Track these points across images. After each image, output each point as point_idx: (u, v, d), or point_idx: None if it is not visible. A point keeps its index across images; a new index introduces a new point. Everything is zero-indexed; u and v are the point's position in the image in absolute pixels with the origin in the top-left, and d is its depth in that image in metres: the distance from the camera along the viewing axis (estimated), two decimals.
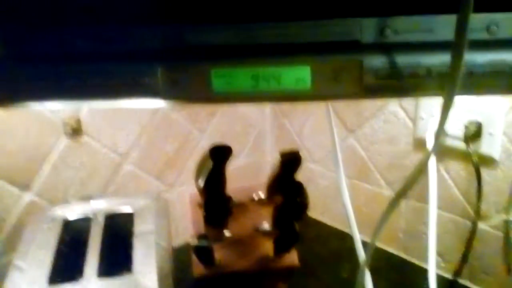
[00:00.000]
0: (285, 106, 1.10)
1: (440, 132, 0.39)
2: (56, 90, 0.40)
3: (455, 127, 0.79)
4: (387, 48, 0.39)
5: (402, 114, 0.89)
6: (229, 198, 0.61)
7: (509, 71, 0.38)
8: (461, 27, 0.34)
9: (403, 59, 0.38)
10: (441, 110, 0.38)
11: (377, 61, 0.39)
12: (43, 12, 0.39)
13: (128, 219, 0.73)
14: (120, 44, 0.39)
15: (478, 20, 0.37)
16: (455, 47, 0.35)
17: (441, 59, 0.38)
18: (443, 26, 0.38)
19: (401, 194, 0.47)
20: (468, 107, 0.78)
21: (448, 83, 0.36)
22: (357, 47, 0.39)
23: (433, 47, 0.38)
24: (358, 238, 0.71)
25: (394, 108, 0.90)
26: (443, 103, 0.38)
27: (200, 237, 0.61)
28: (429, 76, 0.38)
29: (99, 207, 0.75)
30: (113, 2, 0.39)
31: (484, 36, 0.38)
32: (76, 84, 0.40)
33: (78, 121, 0.84)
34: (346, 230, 1.02)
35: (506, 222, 0.73)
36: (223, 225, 0.65)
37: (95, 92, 0.40)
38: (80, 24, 0.39)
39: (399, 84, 0.39)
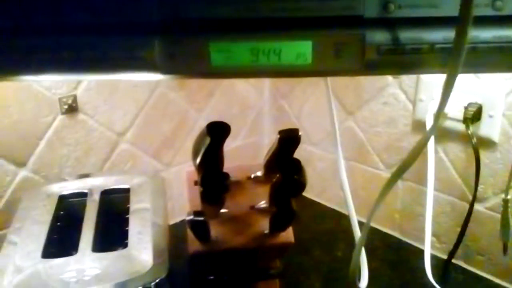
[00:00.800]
0: (284, 88, 1.10)
1: (442, 108, 0.38)
2: (50, 63, 0.39)
3: (455, 108, 0.78)
4: (390, 23, 0.38)
5: (402, 96, 0.88)
6: (226, 175, 0.60)
7: None
8: (467, 2, 0.34)
9: (406, 35, 0.38)
10: (443, 87, 0.38)
11: (379, 36, 0.38)
12: None
13: (124, 196, 0.73)
14: (116, 17, 0.38)
15: None
16: (459, 22, 0.35)
17: (445, 35, 0.37)
18: (448, 1, 0.37)
19: (399, 173, 0.46)
20: (469, 89, 0.78)
21: (451, 59, 0.36)
22: (359, 22, 0.38)
23: (437, 22, 0.38)
24: (354, 217, 0.71)
25: (394, 90, 0.89)
26: (446, 80, 0.37)
27: (197, 213, 0.60)
28: (432, 52, 0.38)
29: (95, 183, 0.75)
30: None
31: (489, 12, 0.37)
32: (70, 57, 0.39)
33: (74, 99, 0.83)
34: (342, 211, 1.02)
35: (505, 201, 0.73)
36: (220, 202, 0.64)
37: (90, 66, 0.39)
38: None
39: (401, 60, 0.38)
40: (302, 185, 0.58)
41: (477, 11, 0.36)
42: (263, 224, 0.65)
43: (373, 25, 0.38)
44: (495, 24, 0.37)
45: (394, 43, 0.38)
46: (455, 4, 0.35)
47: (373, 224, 0.94)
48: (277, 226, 0.64)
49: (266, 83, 1.12)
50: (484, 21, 0.37)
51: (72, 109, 0.83)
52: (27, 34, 0.38)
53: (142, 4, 0.38)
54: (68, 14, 0.38)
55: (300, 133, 0.63)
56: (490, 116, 0.76)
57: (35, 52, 0.38)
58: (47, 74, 0.40)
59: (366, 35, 0.38)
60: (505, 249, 0.76)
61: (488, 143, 0.78)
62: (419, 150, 0.44)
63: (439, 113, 0.39)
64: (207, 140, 0.57)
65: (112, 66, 0.39)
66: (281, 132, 0.63)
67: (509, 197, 0.73)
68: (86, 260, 0.59)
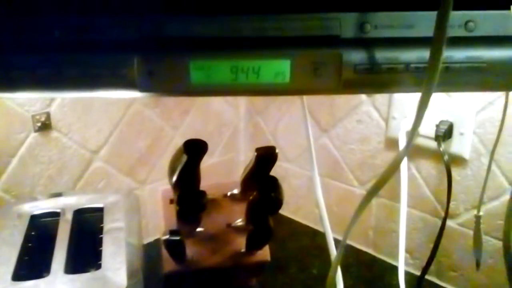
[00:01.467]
0: (260, 105, 1.10)
1: (416, 127, 0.39)
2: (30, 80, 0.39)
3: (427, 126, 0.80)
4: (367, 43, 0.39)
5: (375, 114, 0.90)
6: (203, 193, 0.60)
7: (485, 67, 0.38)
8: (441, 23, 0.35)
9: (382, 54, 0.39)
10: (417, 106, 0.38)
11: (356, 56, 0.39)
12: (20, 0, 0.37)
13: (97, 215, 0.72)
14: (96, 34, 0.39)
15: (456, 17, 0.38)
16: (434, 43, 0.36)
17: (420, 55, 0.38)
18: (422, 22, 0.39)
19: (374, 192, 0.47)
20: (440, 107, 0.79)
21: (426, 79, 0.37)
22: (336, 41, 0.39)
23: (412, 43, 0.39)
24: (330, 235, 0.71)
25: (368, 108, 0.90)
26: (420, 99, 0.38)
27: (172, 232, 0.60)
28: (407, 72, 0.39)
29: (67, 203, 0.74)
30: None
31: (462, 33, 0.39)
32: (50, 74, 0.39)
33: (48, 116, 0.82)
34: (317, 228, 1.03)
35: (477, 218, 0.74)
36: (196, 220, 0.64)
37: (70, 83, 0.39)
38: (57, 13, 0.38)
39: (377, 79, 0.39)
40: (279, 202, 0.59)
41: (450, 32, 0.37)
42: (240, 243, 0.65)
43: (349, 45, 0.39)
44: (467, 44, 0.39)
45: (370, 62, 0.39)
46: (430, 25, 0.36)
47: (347, 241, 0.95)
48: (254, 244, 0.64)
49: (242, 100, 1.12)
50: (457, 42, 0.38)
51: (45, 126, 0.81)
52: (7, 51, 0.38)
53: (122, 22, 0.38)
54: (49, 32, 0.38)
55: (276, 151, 0.63)
56: (461, 134, 0.78)
57: (15, 70, 0.38)
58: (27, 92, 0.40)
59: (343, 54, 0.39)
60: (477, 265, 0.77)
61: (459, 160, 0.80)
62: (393, 168, 0.45)
63: (414, 131, 0.40)
64: (184, 158, 0.57)
65: (91, 83, 0.39)
66: (258, 150, 0.64)
67: (481, 213, 0.75)
68: (58, 282, 0.58)
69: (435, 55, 0.36)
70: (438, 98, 0.80)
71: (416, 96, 0.39)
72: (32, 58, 0.38)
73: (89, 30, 0.38)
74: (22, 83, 0.39)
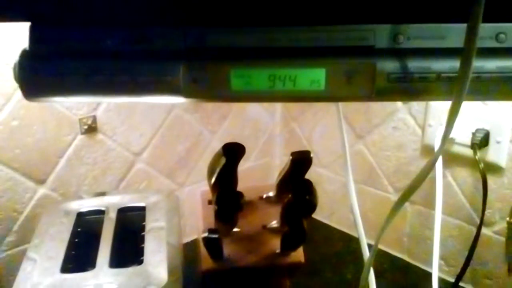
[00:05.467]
0: (295, 111, 1.12)
1: (447, 135, 0.40)
2: (82, 86, 0.42)
3: (463, 134, 0.80)
4: (400, 53, 0.40)
5: (411, 121, 0.90)
6: (240, 194, 0.62)
7: None
8: (471, 35, 0.36)
9: (414, 64, 0.40)
10: (448, 114, 0.40)
11: (389, 65, 0.40)
12: (76, 10, 0.41)
13: (140, 214, 0.75)
14: (145, 44, 0.41)
15: (487, 29, 0.39)
16: (464, 53, 0.37)
17: (451, 65, 0.40)
18: (454, 34, 0.40)
19: (407, 196, 0.48)
20: (476, 115, 0.79)
21: (456, 88, 0.38)
22: (371, 51, 0.41)
23: (444, 53, 0.40)
24: (364, 240, 0.72)
25: (404, 116, 0.91)
26: (451, 107, 0.39)
27: (211, 230, 0.62)
28: (438, 81, 0.40)
29: (112, 201, 0.77)
30: (141, 6, 0.41)
31: (493, 44, 0.40)
32: (101, 81, 0.42)
33: (94, 119, 0.86)
34: (351, 233, 1.03)
35: (509, 224, 0.74)
36: (233, 220, 0.66)
37: (120, 89, 0.42)
38: (110, 24, 0.41)
39: (409, 87, 0.41)
40: (313, 205, 0.60)
41: (482, 43, 0.38)
42: (275, 244, 0.67)
43: (383, 55, 0.41)
44: (498, 55, 0.40)
45: (403, 71, 0.40)
46: (461, 36, 0.37)
47: (382, 247, 0.95)
48: (288, 246, 0.66)
49: (278, 106, 1.14)
50: (488, 53, 0.40)
51: (91, 129, 0.86)
52: (62, 58, 0.41)
53: (169, 34, 0.41)
54: (102, 41, 0.41)
55: (311, 155, 0.65)
56: (498, 142, 0.78)
57: (69, 76, 0.41)
58: (78, 97, 0.43)
59: (377, 64, 0.40)
60: (509, 269, 0.77)
61: (495, 169, 0.80)
62: (426, 173, 0.46)
63: (445, 139, 0.41)
64: (223, 161, 0.59)
65: (140, 89, 0.41)
66: (293, 154, 0.65)
67: None
68: (103, 275, 0.61)
69: (466, 65, 0.37)
70: (474, 106, 0.80)
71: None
72: (84, 65, 0.41)
73: (138, 41, 0.41)
74: (74, 88, 0.42)
